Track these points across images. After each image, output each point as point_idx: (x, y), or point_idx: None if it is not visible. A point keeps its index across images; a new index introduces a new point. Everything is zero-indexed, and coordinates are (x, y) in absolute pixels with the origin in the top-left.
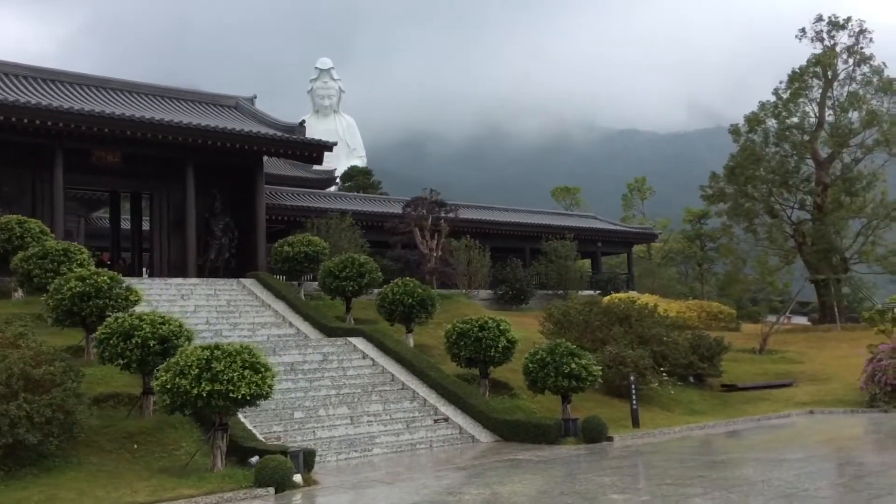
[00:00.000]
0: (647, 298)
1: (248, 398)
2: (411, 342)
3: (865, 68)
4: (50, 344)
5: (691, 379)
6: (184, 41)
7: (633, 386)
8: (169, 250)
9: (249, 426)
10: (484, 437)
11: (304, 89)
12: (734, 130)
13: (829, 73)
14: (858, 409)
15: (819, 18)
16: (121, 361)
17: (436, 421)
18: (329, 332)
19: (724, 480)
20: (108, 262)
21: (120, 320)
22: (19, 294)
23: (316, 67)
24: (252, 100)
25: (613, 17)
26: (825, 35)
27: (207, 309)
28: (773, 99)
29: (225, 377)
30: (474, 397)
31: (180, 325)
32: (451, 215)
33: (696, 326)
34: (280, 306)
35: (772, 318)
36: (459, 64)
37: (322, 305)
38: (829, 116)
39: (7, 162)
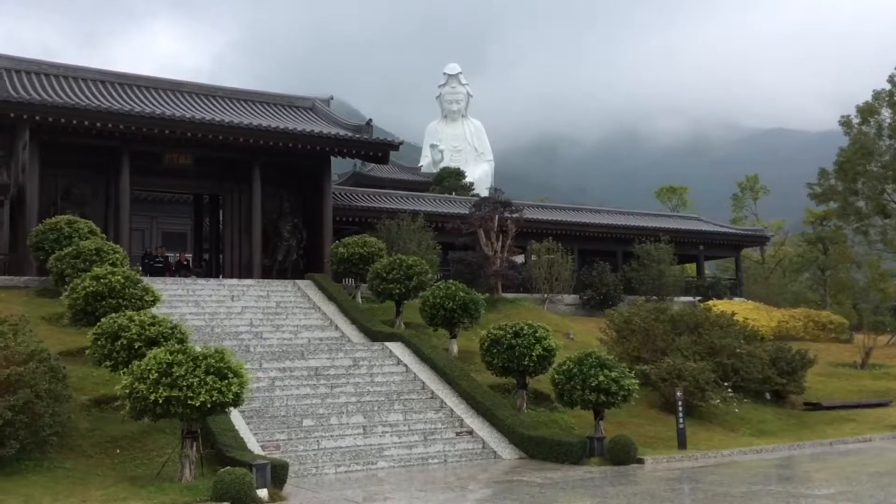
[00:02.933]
0: (726, 306)
1: (209, 406)
2: (455, 349)
3: None
4: (76, 344)
5: (767, 395)
6: (324, 53)
7: (679, 402)
8: (239, 251)
9: (246, 434)
10: (507, 453)
11: (433, 95)
12: (845, 122)
13: None
14: None
15: None
16: (108, 363)
17: (458, 434)
18: (373, 336)
19: None
20: (185, 263)
21: (111, 321)
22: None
23: (444, 73)
24: (328, 101)
25: (756, 10)
26: None
27: (254, 310)
28: (888, 87)
29: (184, 383)
30: (502, 409)
31: (174, 326)
32: (516, 215)
33: (801, 337)
34: (330, 309)
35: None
36: (592, 65)
37: (376, 309)
38: None
39: (77, 165)
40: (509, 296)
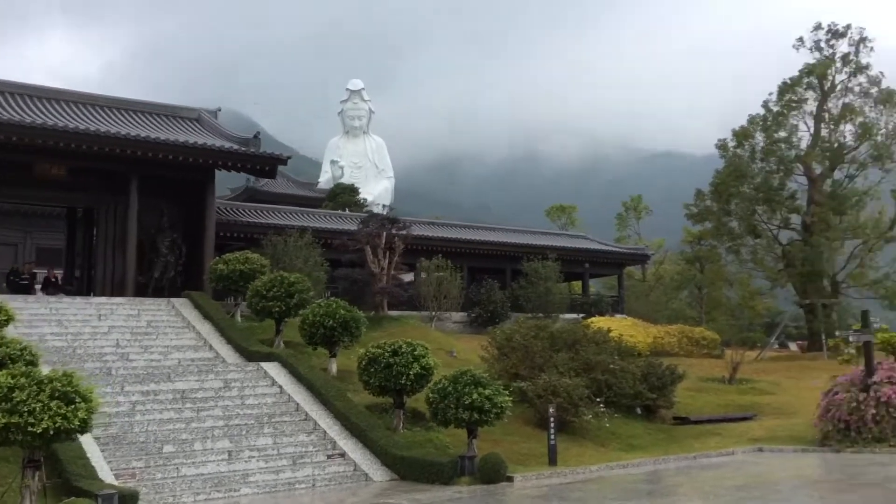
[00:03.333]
0: (606, 322)
1: (52, 433)
2: (334, 368)
3: (862, 78)
4: None
5: (638, 410)
6: (228, 66)
7: (551, 419)
8: (112, 267)
9: (99, 462)
10: (379, 475)
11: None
12: (721, 146)
13: (826, 85)
14: (810, 448)
15: (818, 27)
16: None
17: (329, 457)
18: (249, 356)
19: None
20: (54, 280)
21: None
22: None
23: (347, 89)
24: (215, 113)
25: (654, 34)
26: (824, 44)
27: (122, 330)
28: (762, 112)
29: (25, 408)
30: (376, 430)
31: (24, 348)
32: (404, 232)
33: (675, 353)
34: (205, 328)
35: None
36: (495, 85)
37: (256, 328)
38: (825, 130)
39: None
40: (395, 314)
